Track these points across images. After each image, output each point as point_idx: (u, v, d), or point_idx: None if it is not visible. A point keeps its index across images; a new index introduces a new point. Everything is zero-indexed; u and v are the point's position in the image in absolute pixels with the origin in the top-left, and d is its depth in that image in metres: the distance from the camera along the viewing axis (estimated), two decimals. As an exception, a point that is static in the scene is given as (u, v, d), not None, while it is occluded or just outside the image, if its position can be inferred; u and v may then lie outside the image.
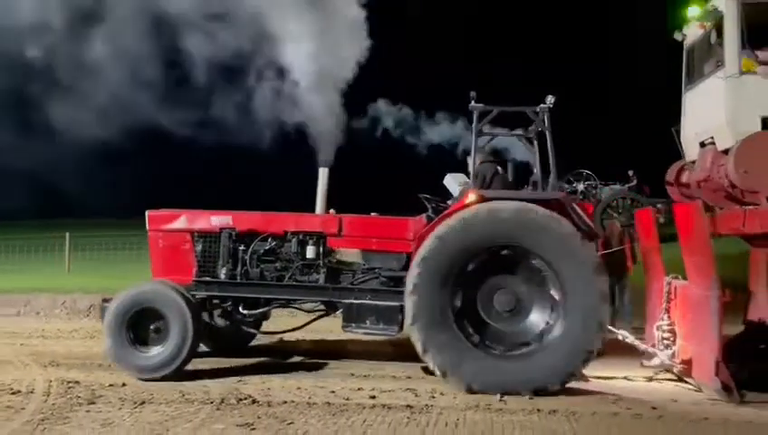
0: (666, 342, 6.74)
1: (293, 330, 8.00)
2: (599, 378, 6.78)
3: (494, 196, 6.60)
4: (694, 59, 7.60)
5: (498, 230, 6.28)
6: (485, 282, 6.44)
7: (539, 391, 6.04)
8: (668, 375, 6.98)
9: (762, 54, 6.62)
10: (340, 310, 6.93)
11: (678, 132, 7.89)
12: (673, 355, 6.63)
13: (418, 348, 6.25)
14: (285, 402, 5.75)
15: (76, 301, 11.81)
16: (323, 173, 7.78)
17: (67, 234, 17.12)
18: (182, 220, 7.54)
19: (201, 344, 7.32)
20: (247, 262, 7.23)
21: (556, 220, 6.23)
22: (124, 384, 6.33)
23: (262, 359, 7.73)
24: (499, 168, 7.41)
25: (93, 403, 5.68)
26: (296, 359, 7.78)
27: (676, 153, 8.01)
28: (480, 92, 6.80)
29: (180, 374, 6.57)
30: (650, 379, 6.96)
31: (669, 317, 6.78)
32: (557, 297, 6.27)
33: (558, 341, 6.19)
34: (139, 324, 6.67)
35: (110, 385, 6.31)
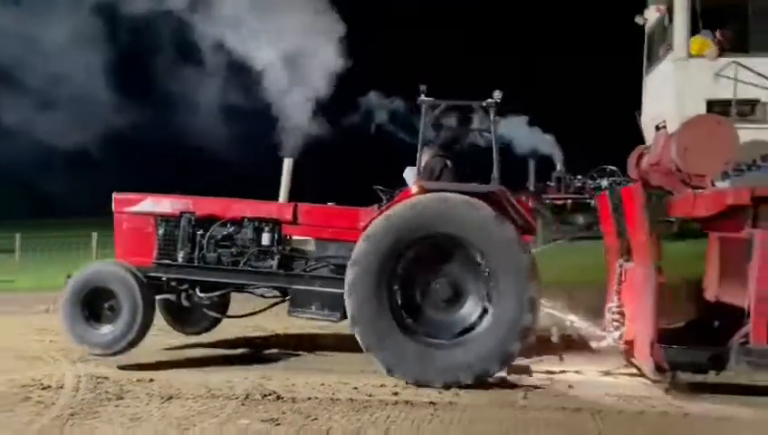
0: (615, 324, 6.79)
1: (252, 314, 7.96)
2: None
3: (433, 188, 6.70)
4: (653, 43, 7.59)
5: (430, 221, 6.44)
6: (423, 273, 6.60)
7: (480, 377, 6.18)
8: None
9: (719, 36, 6.64)
10: None
11: (640, 116, 7.91)
12: (620, 337, 6.69)
13: (360, 343, 6.42)
14: (309, 398, 5.79)
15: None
16: (288, 163, 7.92)
17: (94, 234, 17.37)
18: (145, 204, 7.67)
19: (171, 327, 8.02)
20: (205, 246, 7.40)
21: (485, 210, 6.36)
22: (151, 380, 6.43)
23: (285, 355, 7.78)
24: (448, 162, 7.45)
25: (122, 398, 5.78)
26: (319, 355, 7.82)
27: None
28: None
29: (128, 350, 6.88)
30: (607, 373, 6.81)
31: (619, 299, 6.85)
32: (490, 283, 6.42)
33: (493, 325, 6.34)
34: (93, 303, 6.90)
35: (138, 380, 6.41)
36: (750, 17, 6.55)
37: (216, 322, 8.27)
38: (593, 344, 7.02)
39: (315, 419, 5.20)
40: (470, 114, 7.40)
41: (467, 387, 6.15)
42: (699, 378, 6.01)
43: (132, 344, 6.89)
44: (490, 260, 6.38)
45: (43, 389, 6.07)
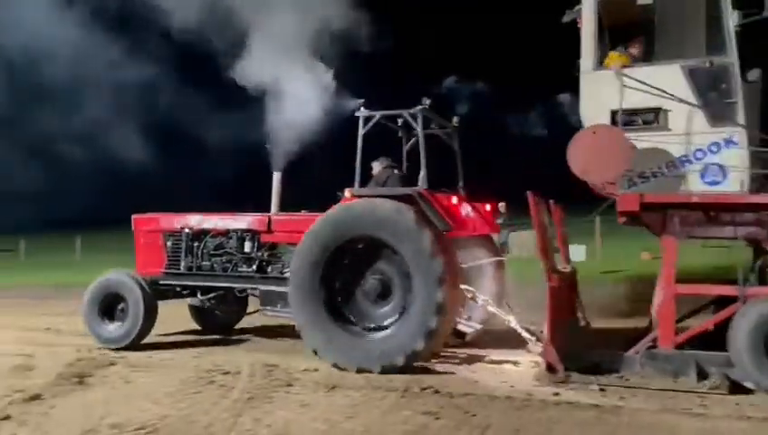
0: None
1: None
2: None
3: (361, 193, 7.41)
4: None
5: (356, 223, 7.03)
6: (356, 270, 7.22)
7: (386, 368, 6.59)
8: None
9: (631, 49, 6.73)
10: None
11: None
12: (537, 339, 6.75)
13: (297, 328, 7.21)
14: (467, 395, 5.79)
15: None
16: (276, 177, 8.88)
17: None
18: (156, 222, 8.98)
19: (194, 323, 9.39)
20: (200, 256, 8.57)
21: (401, 213, 6.83)
22: (316, 369, 6.82)
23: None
24: (396, 170, 8.06)
25: (291, 385, 6.19)
26: (475, 352, 7.80)
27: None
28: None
29: (131, 346, 7.99)
30: None
31: None
32: (407, 282, 6.85)
33: (406, 322, 6.80)
34: (109, 305, 8.21)
35: (304, 370, 6.82)
36: (654, 29, 6.66)
37: (235, 320, 9.57)
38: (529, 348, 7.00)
39: (474, 415, 5.20)
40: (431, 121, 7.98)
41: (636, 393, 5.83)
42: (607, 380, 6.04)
43: (135, 342, 8.05)
44: (408, 262, 6.82)
45: (224, 374, 6.66)
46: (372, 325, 7.11)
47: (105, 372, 6.82)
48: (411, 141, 8.25)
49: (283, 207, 8.89)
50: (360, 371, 6.65)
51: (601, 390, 5.87)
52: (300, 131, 8.73)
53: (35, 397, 5.77)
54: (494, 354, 7.38)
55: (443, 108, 8.26)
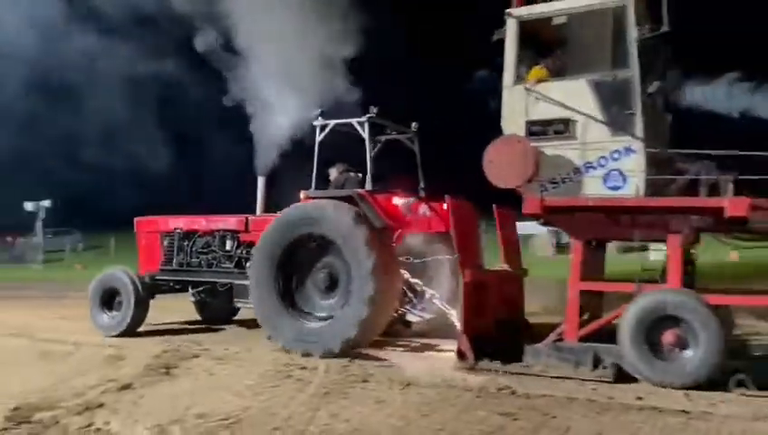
0: None
1: None
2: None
3: (312, 195, 8.12)
4: None
5: (304, 223, 7.78)
6: (308, 265, 7.97)
7: (325, 354, 7.26)
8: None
9: (549, 65, 7.10)
10: None
11: None
12: None
13: (256, 316, 8.03)
14: (544, 396, 5.67)
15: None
16: (261, 181, 9.56)
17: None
18: (154, 223, 9.94)
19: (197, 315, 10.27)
20: (189, 254, 9.42)
21: (340, 212, 7.54)
22: (391, 366, 6.86)
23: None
24: (352, 174, 8.59)
25: (366, 381, 6.25)
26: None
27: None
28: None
29: (124, 334, 8.93)
30: None
31: None
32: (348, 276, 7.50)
33: (345, 313, 7.44)
34: (109, 298, 9.25)
35: (379, 366, 6.88)
36: (565, 46, 7.18)
37: (235, 312, 10.18)
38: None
39: (553, 417, 5.09)
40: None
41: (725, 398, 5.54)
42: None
43: (127, 330, 9.00)
44: (346, 256, 7.49)
45: (301, 369, 6.79)
46: (321, 314, 7.82)
47: (189, 364, 7.10)
48: (377, 147, 8.87)
49: (272, 208, 9.23)
50: (304, 355, 7.38)
51: (685, 395, 5.66)
52: (281, 142, 9.46)
53: (126, 386, 6.08)
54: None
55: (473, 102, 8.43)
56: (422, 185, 8.97)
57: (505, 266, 7.83)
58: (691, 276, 6.92)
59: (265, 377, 6.43)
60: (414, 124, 8.94)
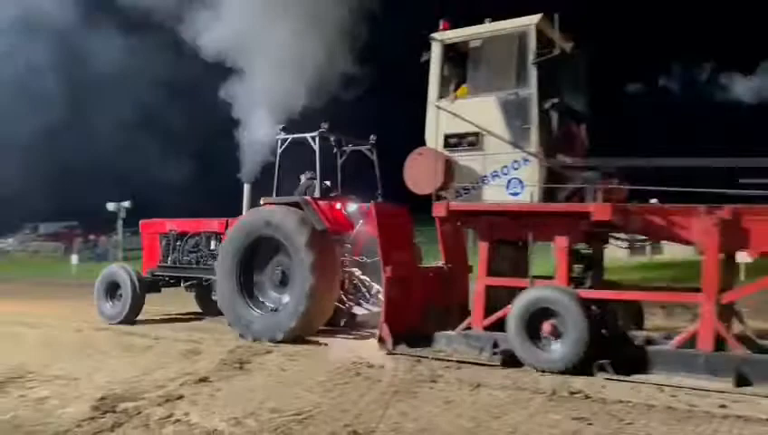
0: None
1: None
2: None
3: (269, 201, 9.19)
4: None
5: (259, 226, 8.83)
6: (265, 262, 9.03)
7: (271, 339, 8.27)
8: None
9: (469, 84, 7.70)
10: None
11: None
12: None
13: (220, 307, 9.15)
14: (621, 401, 5.50)
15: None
16: (246, 188, 10.37)
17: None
18: (155, 226, 11.16)
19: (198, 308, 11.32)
20: (181, 252, 10.64)
21: (286, 216, 8.58)
22: (459, 367, 6.81)
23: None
24: (316, 182, 9.39)
25: (435, 382, 6.23)
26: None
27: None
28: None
29: (123, 322, 10.13)
30: None
31: None
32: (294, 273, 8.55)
33: (288, 305, 8.53)
34: (113, 289, 10.49)
35: (446, 367, 6.85)
36: (480, 67, 7.70)
37: None
38: None
39: (630, 423, 4.92)
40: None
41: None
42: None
43: (126, 319, 10.19)
44: (291, 255, 8.50)
45: (369, 367, 6.86)
46: (274, 306, 8.84)
47: (262, 360, 7.29)
48: (343, 156, 10.15)
49: None
50: (254, 339, 8.41)
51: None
52: (264, 153, 10.19)
53: (203, 379, 6.30)
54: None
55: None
56: (379, 192, 9.93)
57: (440, 264, 8.37)
58: (598, 273, 7.70)
59: (335, 374, 6.52)
60: (372, 136, 9.75)
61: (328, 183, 9.78)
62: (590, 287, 7.20)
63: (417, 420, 5.06)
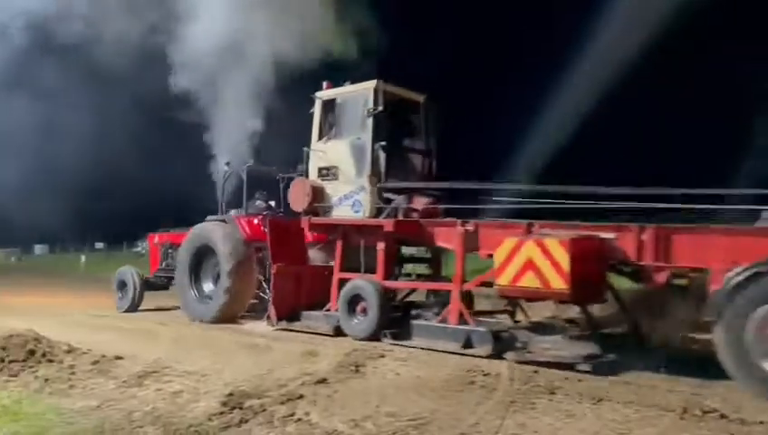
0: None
1: None
2: None
3: (209, 218, 12.22)
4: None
5: (200, 236, 11.84)
6: (208, 264, 11.89)
7: (203, 320, 11.20)
8: None
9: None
10: None
11: None
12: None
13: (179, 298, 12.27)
14: (762, 423, 5.05)
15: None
16: (222, 207, 12.82)
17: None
18: (156, 237, 14.12)
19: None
20: (172, 259, 13.28)
21: (216, 231, 11.50)
22: (580, 380, 6.55)
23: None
24: (259, 201, 12.40)
25: (554, 393, 6.03)
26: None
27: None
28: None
29: (128, 312, 13.01)
30: None
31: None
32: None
33: (215, 298, 11.33)
34: (122, 286, 13.34)
35: (566, 378, 6.61)
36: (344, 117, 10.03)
37: None
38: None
39: (775, 448, 4.51)
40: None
41: None
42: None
43: (129, 308, 13.01)
44: (220, 260, 11.26)
45: (484, 375, 6.76)
46: (209, 296, 11.69)
47: (376, 364, 7.40)
48: (284, 182, 12.15)
49: None
50: (192, 319, 11.48)
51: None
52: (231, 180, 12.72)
53: (322, 380, 6.49)
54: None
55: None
56: (281, 209, 12.26)
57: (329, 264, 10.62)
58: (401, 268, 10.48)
59: (449, 381, 6.49)
60: (299, 167, 10.78)
61: (272, 203, 12.48)
62: (395, 279, 9.95)
63: (537, 433, 4.91)
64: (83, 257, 40.80)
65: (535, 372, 6.90)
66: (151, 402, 5.74)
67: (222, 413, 5.36)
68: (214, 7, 13.26)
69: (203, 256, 11.82)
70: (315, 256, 11.30)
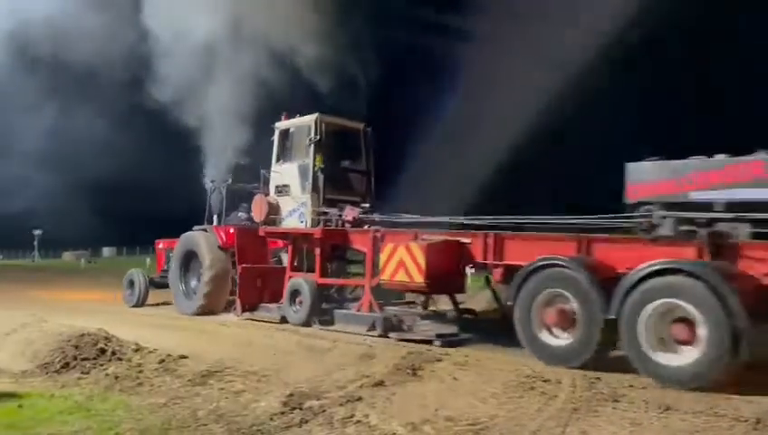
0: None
1: None
2: None
3: (195, 228, 14.26)
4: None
5: (187, 243, 14.04)
6: (196, 266, 13.73)
7: (193, 314, 13.03)
8: None
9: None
10: None
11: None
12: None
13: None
14: None
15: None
16: (215, 219, 14.75)
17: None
18: (161, 243, 16.04)
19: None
20: (169, 262, 14.81)
21: (198, 238, 13.68)
22: (644, 387, 6.35)
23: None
24: (240, 213, 14.38)
25: (617, 401, 5.86)
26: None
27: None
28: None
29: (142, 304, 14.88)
30: None
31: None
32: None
33: (198, 294, 13.37)
34: (131, 285, 15.16)
35: (630, 386, 6.42)
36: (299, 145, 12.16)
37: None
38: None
39: None
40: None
41: None
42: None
43: (136, 304, 14.74)
44: (201, 262, 13.39)
45: (544, 381, 6.63)
46: (194, 292, 13.55)
47: (433, 367, 7.36)
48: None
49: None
50: (182, 313, 13.32)
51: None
52: (221, 195, 14.58)
53: (379, 383, 6.52)
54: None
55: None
56: (246, 216, 13.92)
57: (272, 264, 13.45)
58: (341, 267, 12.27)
59: (509, 387, 6.40)
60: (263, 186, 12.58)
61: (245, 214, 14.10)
62: (338, 277, 11.96)
63: (601, 441, 4.80)
64: (148, 260, 42.30)
65: (598, 378, 6.73)
66: (215, 401, 5.90)
67: (283, 413, 5.46)
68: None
69: (189, 259, 13.83)
70: (285, 257, 12.84)
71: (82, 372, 7.01)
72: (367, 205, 11.59)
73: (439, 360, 7.75)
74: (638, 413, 5.49)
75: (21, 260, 62.20)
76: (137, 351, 7.76)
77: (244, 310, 12.17)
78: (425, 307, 11.10)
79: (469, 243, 9.36)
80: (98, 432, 5.03)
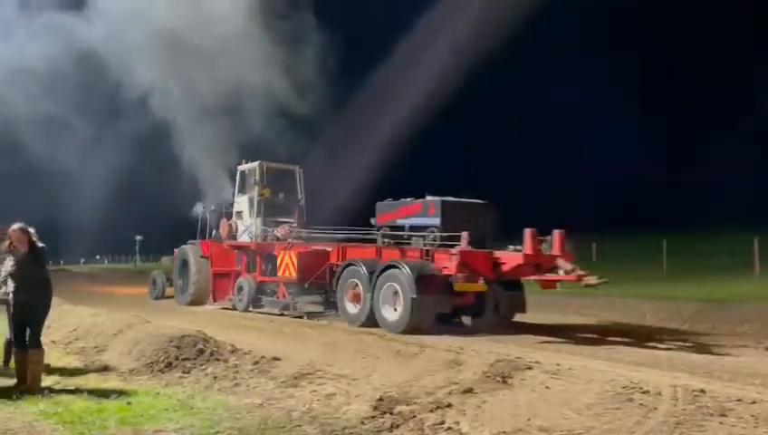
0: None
1: None
2: None
3: (188, 242, 18.91)
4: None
5: (181, 254, 18.70)
6: (186, 269, 18.14)
7: (186, 305, 17.68)
8: None
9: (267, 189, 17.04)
10: None
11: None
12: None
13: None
14: None
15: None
16: (214, 233, 18.87)
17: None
18: (176, 253, 19.16)
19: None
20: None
21: (188, 251, 18.36)
22: (754, 402, 5.95)
23: None
24: (233, 225, 18.03)
25: (724, 416, 5.51)
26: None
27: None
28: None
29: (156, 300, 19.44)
30: None
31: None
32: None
33: (188, 292, 17.80)
34: (154, 282, 20.34)
35: (738, 400, 6.01)
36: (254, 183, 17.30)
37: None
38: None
39: None
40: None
41: None
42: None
43: (157, 298, 19.68)
44: (190, 268, 17.81)
45: (642, 392, 6.31)
46: (187, 289, 17.67)
47: (523, 375, 7.20)
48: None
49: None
50: (179, 304, 17.76)
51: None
52: (213, 216, 18.80)
53: (468, 390, 6.45)
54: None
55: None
56: (214, 232, 18.32)
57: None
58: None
59: (605, 397, 6.16)
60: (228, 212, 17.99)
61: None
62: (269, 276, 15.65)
63: (708, 459, 4.53)
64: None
65: (702, 391, 6.36)
66: (307, 403, 6.05)
67: (374, 417, 5.53)
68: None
69: (184, 265, 18.24)
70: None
71: (184, 372, 7.39)
72: (294, 224, 16.29)
73: (529, 368, 7.56)
74: (749, 429, 5.15)
75: (124, 264, 66.33)
76: (233, 352, 8.10)
77: (214, 302, 17.28)
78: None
79: (330, 251, 14.11)
80: (200, 430, 5.28)
